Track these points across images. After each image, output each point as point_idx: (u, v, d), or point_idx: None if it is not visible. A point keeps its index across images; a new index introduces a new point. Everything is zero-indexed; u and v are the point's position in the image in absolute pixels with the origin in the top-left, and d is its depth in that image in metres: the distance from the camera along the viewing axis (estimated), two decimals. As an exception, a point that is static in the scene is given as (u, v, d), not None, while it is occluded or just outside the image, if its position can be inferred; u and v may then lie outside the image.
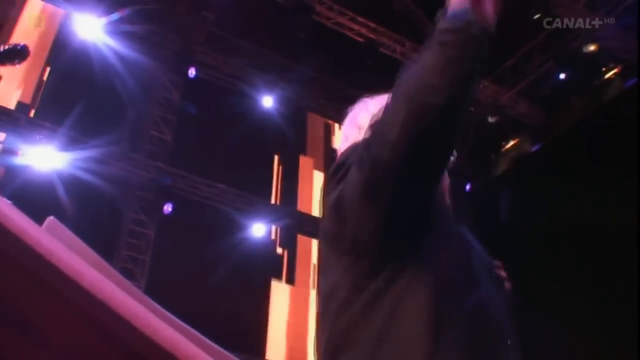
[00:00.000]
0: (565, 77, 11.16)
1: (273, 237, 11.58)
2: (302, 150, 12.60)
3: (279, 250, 11.58)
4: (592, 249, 9.13)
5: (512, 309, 1.53)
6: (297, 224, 11.52)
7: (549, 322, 8.90)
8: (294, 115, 12.25)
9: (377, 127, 1.35)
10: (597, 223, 8.77)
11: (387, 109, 1.33)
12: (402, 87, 1.32)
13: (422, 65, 1.30)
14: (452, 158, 1.45)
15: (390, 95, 1.34)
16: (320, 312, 1.50)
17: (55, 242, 0.76)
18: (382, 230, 1.36)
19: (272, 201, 11.72)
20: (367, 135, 1.48)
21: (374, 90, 1.85)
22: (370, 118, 1.75)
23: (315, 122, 12.97)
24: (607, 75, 10.82)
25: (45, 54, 10.01)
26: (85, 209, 8.77)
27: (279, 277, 11.32)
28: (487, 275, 1.49)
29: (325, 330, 1.43)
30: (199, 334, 1.01)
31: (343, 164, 1.49)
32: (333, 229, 1.46)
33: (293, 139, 12.10)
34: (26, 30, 9.88)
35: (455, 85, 1.27)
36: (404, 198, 1.33)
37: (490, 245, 1.60)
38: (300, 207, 11.94)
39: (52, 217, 0.97)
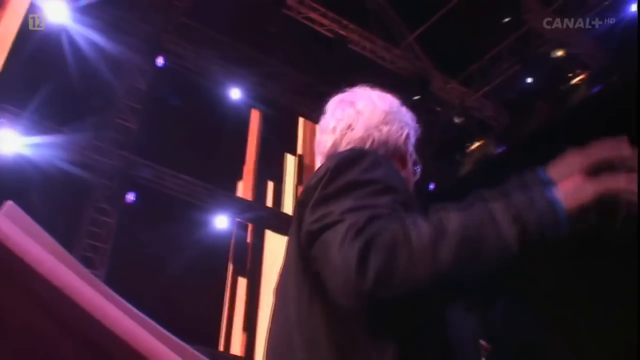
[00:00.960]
0: (532, 81, 11.28)
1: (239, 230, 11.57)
2: (272, 142, 12.57)
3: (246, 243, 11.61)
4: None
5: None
6: (263, 218, 11.53)
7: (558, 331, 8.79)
8: (262, 107, 12.23)
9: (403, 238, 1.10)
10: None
11: (428, 240, 1.10)
12: (448, 246, 1.10)
13: (474, 247, 1.10)
14: None
15: (434, 230, 1.12)
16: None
17: (12, 227, 0.75)
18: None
19: (238, 194, 11.69)
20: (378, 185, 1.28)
21: (342, 86, 1.82)
22: (373, 109, 1.63)
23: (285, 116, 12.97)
24: (573, 81, 10.95)
25: (11, 38, 9.83)
26: (47, 196, 8.64)
27: (240, 270, 11.33)
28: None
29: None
30: (157, 325, 1.00)
31: (333, 178, 1.28)
32: (301, 260, 1.31)
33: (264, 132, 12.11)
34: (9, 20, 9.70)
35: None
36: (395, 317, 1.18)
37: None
38: (269, 202, 11.95)
39: (10, 202, 0.95)
